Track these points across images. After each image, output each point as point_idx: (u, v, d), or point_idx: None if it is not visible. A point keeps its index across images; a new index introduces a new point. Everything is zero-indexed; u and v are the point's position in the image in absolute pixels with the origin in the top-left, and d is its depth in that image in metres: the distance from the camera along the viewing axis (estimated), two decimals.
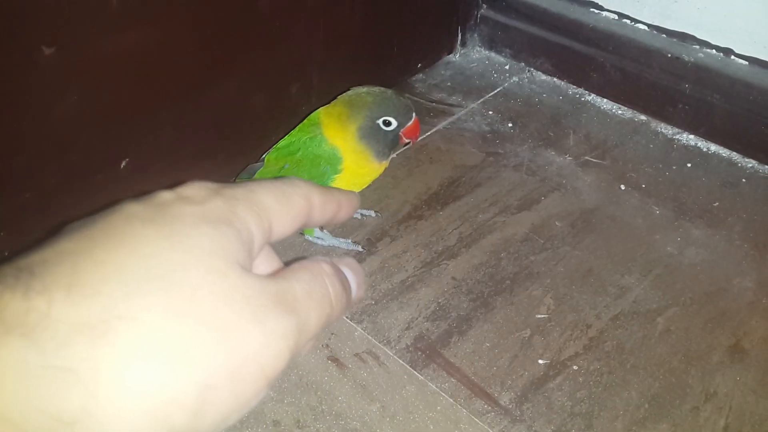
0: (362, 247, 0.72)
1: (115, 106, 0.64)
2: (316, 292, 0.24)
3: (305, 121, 0.67)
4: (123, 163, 0.66)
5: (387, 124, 0.63)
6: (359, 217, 0.75)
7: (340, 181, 0.65)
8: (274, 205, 0.25)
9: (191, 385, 0.20)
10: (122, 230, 0.21)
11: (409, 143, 0.67)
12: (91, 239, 0.21)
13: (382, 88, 0.65)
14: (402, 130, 0.64)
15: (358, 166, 0.65)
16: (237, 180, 0.71)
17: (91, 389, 0.19)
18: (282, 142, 0.68)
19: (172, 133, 0.70)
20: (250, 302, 0.22)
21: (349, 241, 0.72)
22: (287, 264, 0.25)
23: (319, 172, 0.64)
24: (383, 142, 0.64)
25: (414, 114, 0.65)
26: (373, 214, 0.76)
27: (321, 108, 0.67)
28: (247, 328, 0.21)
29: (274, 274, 0.24)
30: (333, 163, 0.64)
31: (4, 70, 0.55)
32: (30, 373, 0.18)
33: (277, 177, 0.27)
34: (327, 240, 0.72)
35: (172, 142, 0.70)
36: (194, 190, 0.23)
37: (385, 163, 0.67)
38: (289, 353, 0.22)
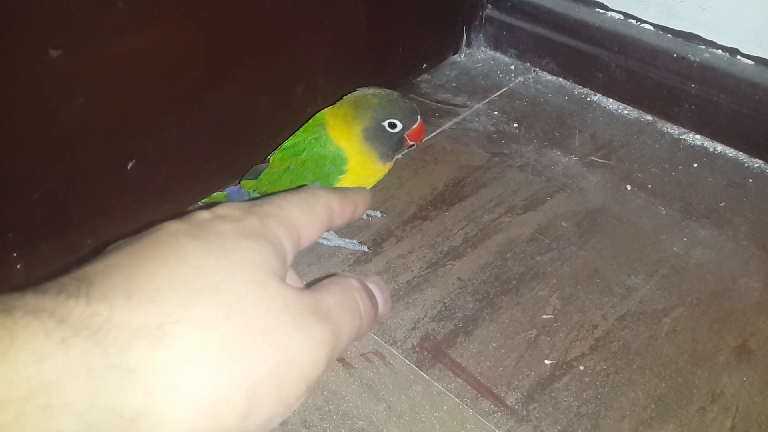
0: (368, 248, 0.72)
1: (121, 108, 0.64)
2: (348, 304, 0.25)
3: (310, 121, 0.68)
4: (130, 165, 0.66)
5: (392, 126, 0.63)
6: (365, 217, 0.75)
7: (344, 182, 0.65)
8: (301, 217, 0.26)
9: (242, 386, 0.21)
10: (169, 245, 0.23)
11: (413, 145, 0.67)
12: (140, 253, 0.22)
13: (388, 90, 0.65)
14: (407, 132, 0.64)
15: (362, 167, 0.65)
16: (242, 182, 0.71)
17: (150, 388, 0.20)
18: (287, 143, 0.68)
19: (178, 134, 0.70)
20: (290, 311, 0.23)
21: (355, 241, 0.72)
22: (317, 280, 0.26)
23: (324, 172, 0.65)
24: (388, 144, 0.64)
25: (419, 117, 0.65)
26: (378, 214, 0.76)
27: (326, 109, 0.67)
28: (290, 334, 0.23)
29: (306, 288, 0.25)
30: (338, 163, 0.64)
31: (10, 72, 0.55)
32: (96, 372, 0.19)
33: (298, 188, 0.29)
34: (333, 240, 0.72)
35: (177, 143, 0.70)
36: (229, 209, 0.25)
37: (389, 165, 0.67)
38: (326, 360, 0.24)
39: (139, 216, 0.71)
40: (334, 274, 0.28)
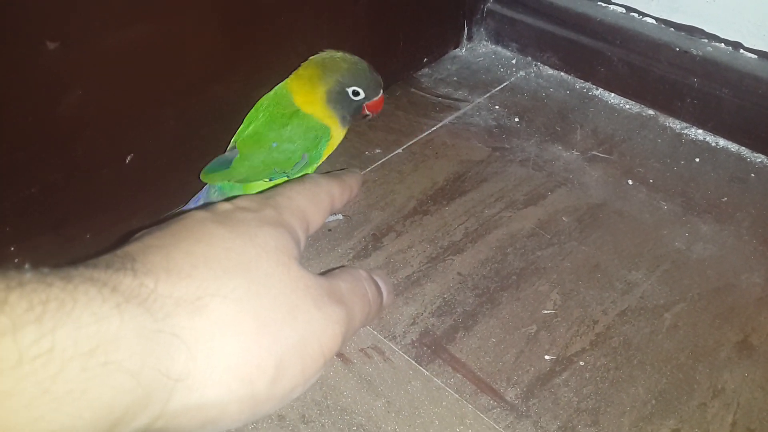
0: (342, 216, 0.74)
1: (119, 101, 0.63)
2: (358, 291, 0.28)
3: (271, 97, 0.67)
4: (128, 158, 0.66)
5: (356, 93, 0.64)
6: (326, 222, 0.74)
7: (329, 149, 0.66)
8: (310, 207, 0.30)
9: (272, 355, 0.24)
10: (199, 230, 0.25)
11: (368, 116, 0.67)
12: (174, 236, 0.25)
13: (358, 58, 0.65)
14: (367, 102, 0.65)
15: (334, 131, 0.66)
16: (207, 176, 0.67)
17: (193, 352, 0.22)
18: (253, 126, 0.66)
19: (177, 128, 0.69)
20: (310, 291, 0.26)
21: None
22: (327, 271, 0.29)
23: (314, 143, 0.65)
24: (347, 110, 0.65)
25: (382, 90, 0.66)
26: (340, 216, 0.75)
27: (286, 79, 0.66)
28: (311, 312, 0.25)
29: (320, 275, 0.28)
30: (324, 131, 0.65)
31: (8, 64, 0.55)
32: (146, 335, 0.21)
33: (302, 178, 0.32)
34: None
35: (177, 136, 0.70)
36: (246, 202, 0.28)
37: (344, 130, 0.67)
38: (341, 338, 0.26)
39: (137, 210, 0.70)
40: (343, 266, 0.31)
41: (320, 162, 0.67)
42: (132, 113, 0.65)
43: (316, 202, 0.30)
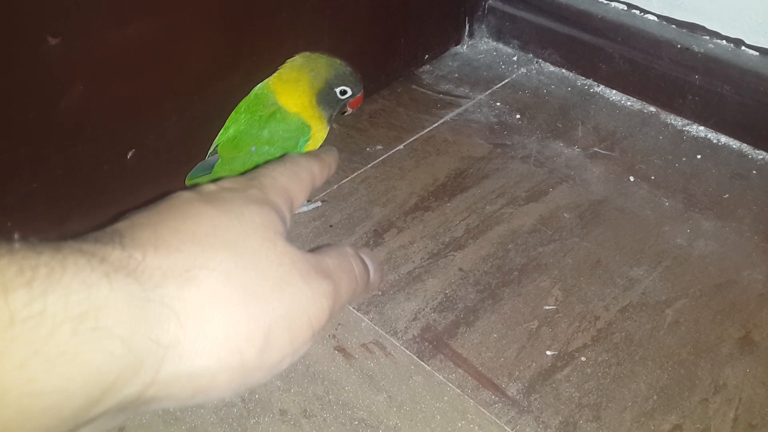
0: (321, 201, 0.75)
1: (121, 97, 0.63)
2: (345, 266, 0.28)
3: (251, 98, 0.67)
4: (129, 154, 0.66)
5: (344, 93, 0.66)
6: (306, 209, 0.76)
7: (308, 147, 0.67)
8: (292, 185, 0.30)
9: (260, 325, 0.24)
10: (186, 209, 0.26)
11: (347, 112, 0.69)
12: (160, 214, 0.25)
13: (339, 59, 0.66)
14: (350, 100, 0.67)
15: (317, 131, 0.67)
16: (187, 180, 0.68)
17: (182, 321, 0.22)
18: (234, 129, 0.66)
19: (178, 124, 0.69)
20: (296, 266, 0.26)
21: (306, 202, 0.73)
22: (314, 249, 0.29)
23: (293, 144, 0.66)
24: (333, 108, 0.67)
25: (362, 86, 0.68)
26: (319, 203, 0.77)
27: (268, 79, 0.67)
28: (298, 285, 0.26)
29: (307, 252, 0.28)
30: (304, 132, 0.65)
31: (9, 60, 0.55)
32: (136, 303, 0.21)
33: (282, 157, 0.32)
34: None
35: (178, 133, 0.70)
36: (231, 182, 0.28)
37: (327, 128, 0.68)
38: (329, 311, 0.27)
39: (135, 205, 0.70)
40: (331, 244, 0.32)
41: None
42: (133, 109, 0.65)
43: (298, 181, 0.31)
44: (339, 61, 0.66)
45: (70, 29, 0.57)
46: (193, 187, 0.28)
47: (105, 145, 0.64)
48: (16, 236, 0.21)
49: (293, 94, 0.65)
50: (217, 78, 0.71)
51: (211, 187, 0.28)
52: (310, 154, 0.33)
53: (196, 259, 0.24)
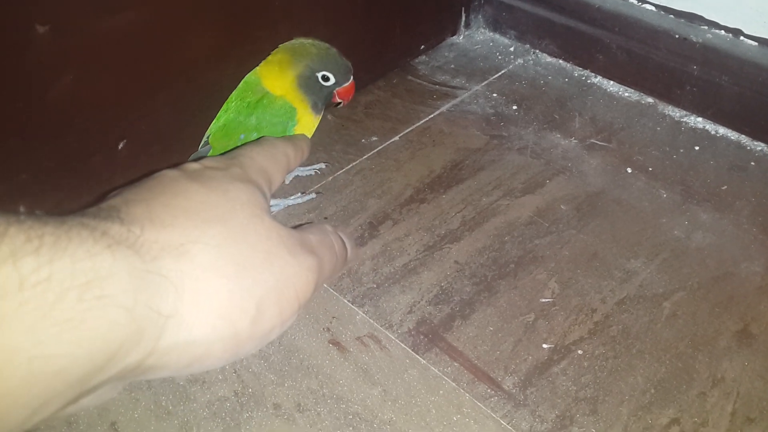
0: (315, 193, 0.75)
1: (112, 87, 0.62)
2: (326, 243, 0.30)
3: (240, 86, 0.66)
4: (120, 145, 0.65)
5: (325, 79, 0.64)
6: (313, 173, 0.77)
7: (297, 131, 0.65)
8: (270, 165, 0.31)
9: (252, 296, 0.25)
10: (174, 186, 0.27)
11: (340, 104, 0.67)
12: (151, 191, 0.26)
13: (327, 44, 0.65)
14: (338, 88, 0.65)
15: (303, 114, 0.65)
16: None
17: (180, 292, 0.23)
18: (224, 119, 0.66)
19: (171, 115, 0.68)
20: (283, 240, 0.27)
21: (299, 194, 0.75)
22: (296, 227, 0.30)
23: (281, 129, 0.64)
24: (318, 95, 0.64)
25: (352, 77, 0.66)
26: (323, 165, 0.78)
27: (256, 68, 0.66)
28: (286, 258, 0.27)
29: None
30: (291, 114, 0.64)
31: None
32: (137, 275, 0.22)
33: (259, 140, 0.33)
34: (282, 203, 0.73)
35: (170, 123, 0.69)
36: (213, 162, 0.29)
37: (318, 117, 0.67)
38: (314, 285, 0.28)
39: None
40: (311, 222, 0.33)
41: None
42: (124, 99, 0.64)
43: (275, 162, 0.32)
44: (328, 48, 0.65)
45: (59, 17, 0.56)
46: (176, 165, 0.29)
47: (96, 135, 0.63)
48: (22, 209, 0.22)
49: (277, 76, 0.64)
50: (210, 68, 0.70)
51: (195, 165, 0.29)
52: (285, 138, 0.35)
53: (189, 234, 0.25)
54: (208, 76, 0.70)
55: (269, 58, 0.65)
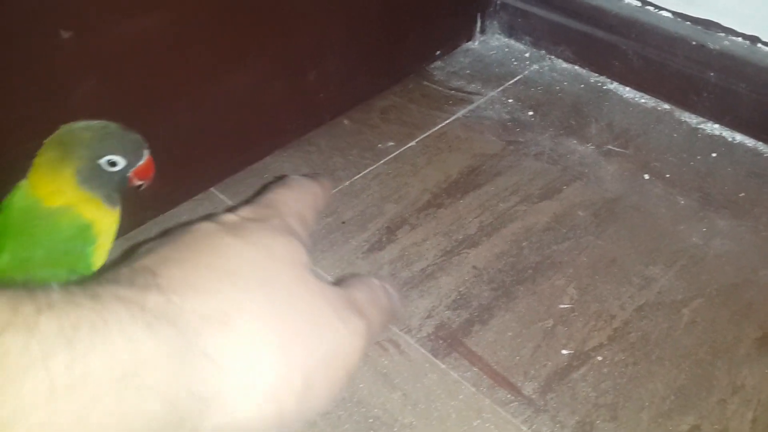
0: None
1: (133, 91, 0.63)
2: (375, 301, 0.27)
3: (10, 215, 0.50)
4: None
5: (112, 164, 0.50)
6: None
7: (99, 250, 0.51)
8: (305, 210, 0.29)
9: (299, 371, 0.23)
10: (212, 242, 0.24)
11: (142, 185, 0.53)
12: (189, 249, 0.24)
13: (104, 122, 0.51)
14: (132, 170, 0.51)
15: (99, 220, 0.51)
16: None
17: (223, 371, 0.22)
18: (2, 262, 0.49)
19: (191, 119, 0.69)
20: (331, 303, 0.25)
21: None
22: (339, 279, 0.29)
23: (75, 255, 0.50)
24: (110, 186, 0.50)
25: (147, 151, 0.52)
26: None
27: (23, 179, 0.50)
28: (335, 325, 0.24)
29: (334, 283, 0.27)
30: (85, 235, 0.50)
31: (22, 53, 0.54)
32: (178, 356, 0.21)
33: (285, 180, 0.30)
34: None
35: (190, 128, 0.69)
36: (249, 212, 0.27)
37: (117, 210, 0.52)
38: (362, 351, 0.25)
39: (152, 201, 0.70)
40: (356, 274, 0.30)
41: (99, 265, 0.52)
42: (146, 103, 0.64)
43: (307, 205, 0.30)
44: (104, 125, 0.51)
45: (82, 22, 0.56)
46: (210, 216, 0.27)
47: None
48: (54, 285, 0.20)
49: (51, 180, 0.49)
50: (229, 73, 0.70)
51: (232, 217, 0.27)
52: (310, 176, 0.32)
53: (232, 300, 0.23)
54: (227, 80, 0.71)
55: (35, 161, 0.49)
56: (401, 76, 0.93)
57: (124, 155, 0.50)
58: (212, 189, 0.76)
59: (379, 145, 0.83)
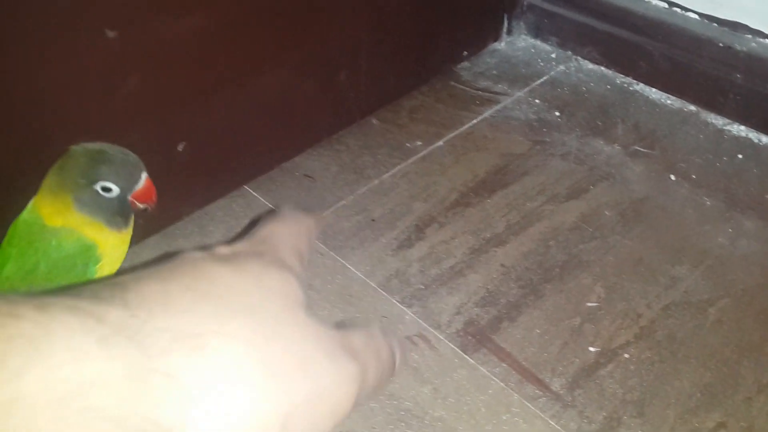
0: None
1: (173, 89, 0.65)
2: (372, 347, 0.25)
3: (18, 226, 0.51)
4: (180, 146, 0.67)
5: (106, 189, 0.50)
6: None
7: (104, 270, 0.52)
8: (300, 243, 0.27)
9: (278, 411, 0.20)
10: (199, 267, 0.22)
11: (146, 208, 0.53)
12: (170, 271, 0.22)
13: (103, 146, 0.51)
14: (131, 194, 0.51)
15: (103, 242, 0.51)
16: None
17: (189, 398, 0.19)
18: (5, 270, 0.51)
19: (227, 117, 0.71)
20: (321, 342, 0.22)
21: None
22: (337, 324, 0.26)
23: (77, 273, 0.51)
24: (110, 211, 0.50)
25: (144, 174, 0.51)
26: None
27: (34, 198, 0.51)
28: (324, 365, 0.22)
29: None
30: (89, 254, 0.51)
31: (70, 52, 0.56)
32: (136, 376, 0.18)
33: (278, 213, 0.29)
34: None
35: (226, 125, 0.71)
36: (244, 245, 0.25)
37: (127, 231, 0.53)
38: (354, 398, 0.22)
39: (187, 196, 0.72)
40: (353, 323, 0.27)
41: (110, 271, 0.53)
42: (184, 101, 0.66)
43: (302, 238, 0.28)
44: (99, 150, 0.50)
45: (127, 22, 0.58)
46: (204, 247, 0.25)
47: (157, 135, 0.65)
48: None
49: (52, 203, 0.50)
50: (264, 72, 0.72)
51: (224, 249, 0.25)
52: (303, 211, 0.30)
53: (210, 322, 0.20)
54: (262, 80, 0.72)
55: (44, 183, 0.51)
56: (429, 76, 0.95)
57: (116, 182, 0.50)
58: (246, 186, 0.78)
59: (408, 145, 0.85)
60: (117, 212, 0.51)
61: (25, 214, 0.51)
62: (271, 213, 0.29)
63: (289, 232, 0.27)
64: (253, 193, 0.78)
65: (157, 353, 0.18)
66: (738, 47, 0.84)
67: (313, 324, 0.23)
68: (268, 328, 0.21)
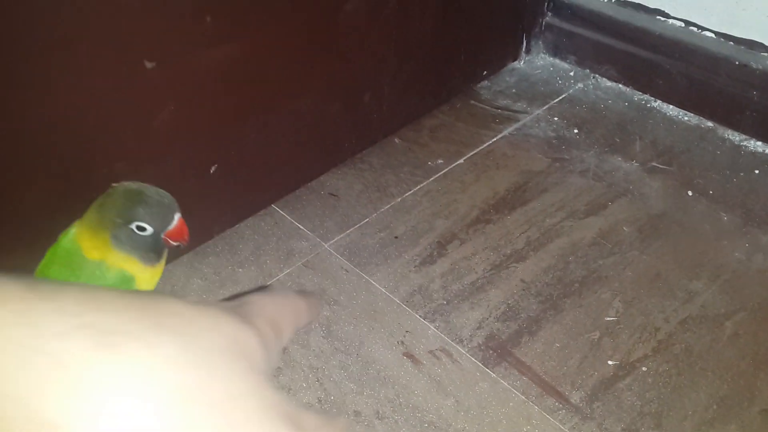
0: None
1: (206, 115, 0.68)
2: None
3: (56, 252, 0.54)
4: (212, 168, 0.71)
5: (141, 229, 0.52)
6: None
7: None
8: (282, 319, 0.25)
9: None
10: (161, 299, 0.20)
11: (179, 245, 0.55)
12: (132, 295, 0.20)
13: (141, 186, 0.53)
14: (165, 233, 0.54)
15: (140, 275, 0.54)
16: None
17: (79, 395, 0.17)
18: None
19: (257, 140, 0.74)
20: (261, 400, 0.20)
21: None
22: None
23: None
24: (144, 248, 0.53)
25: (177, 215, 0.54)
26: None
27: (69, 230, 0.54)
28: (252, 422, 0.19)
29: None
30: (128, 285, 0.54)
31: (111, 82, 0.60)
32: (20, 354, 0.16)
33: (267, 288, 0.27)
34: None
35: (256, 148, 0.74)
36: (219, 302, 0.23)
37: (159, 265, 0.56)
38: None
39: (218, 218, 0.75)
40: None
41: None
42: (217, 126, 0.70)
43: (288, 317, 0.25)
44: (136, 190, 0.53)
45: (164, 53, 0.62)
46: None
47: (191, 160, 0.69)
48: None
49: (90, 238, 0.53)
50: (293, 96, 0.75)
51: (198, 300, 0.23)
52: (298, 292, 0.29)
53: (130, 325, 0.18)
54: (291, 104, 0.75)
55: (81, 220, 0.54)
56: (449, 95, 0.97)
57: (151, 222, 0.52)
58: (273, 205, 0.81)
59: (429, 163, 0.87)
60: (151, 249, 0.53)
61: (66, 243, 0.54)
62: (261, 288, 0.28)
63: (274, 306, 0.25)
64: (280, 211, 0.81)
65: (52, 334, 0.16)
66: (754, 65, 0.86)
67: (262, 382, 0.20)
68: (202, 360, 0.18)
